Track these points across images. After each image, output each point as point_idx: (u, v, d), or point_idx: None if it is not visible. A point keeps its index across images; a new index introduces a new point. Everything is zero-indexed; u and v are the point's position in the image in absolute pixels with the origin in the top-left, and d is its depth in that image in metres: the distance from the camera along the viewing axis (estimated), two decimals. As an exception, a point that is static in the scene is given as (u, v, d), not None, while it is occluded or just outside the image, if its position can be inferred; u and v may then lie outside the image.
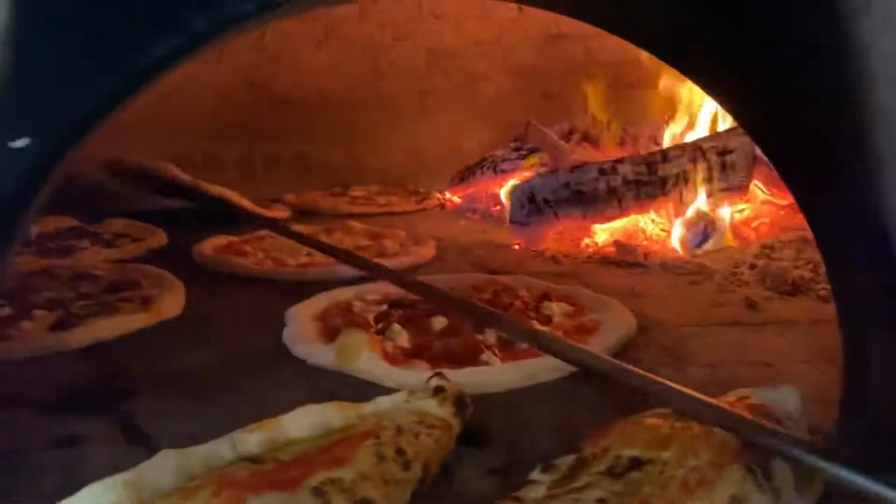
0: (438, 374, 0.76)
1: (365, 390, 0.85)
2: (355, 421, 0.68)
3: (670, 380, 0.71)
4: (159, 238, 1.63)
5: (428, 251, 1.54)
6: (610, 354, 0.96)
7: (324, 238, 1.66)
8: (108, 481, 0.54)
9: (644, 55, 0.71)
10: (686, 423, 0.57)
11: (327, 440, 0.64)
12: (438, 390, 0.72)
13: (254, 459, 0.61)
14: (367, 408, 0.70)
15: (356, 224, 1.77)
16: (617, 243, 1.58)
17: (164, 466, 0.57)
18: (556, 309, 1.11)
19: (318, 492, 0.54)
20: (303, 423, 0.67)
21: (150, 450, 0.64)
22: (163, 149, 2.33)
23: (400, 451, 0.61)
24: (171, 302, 1.14)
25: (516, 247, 1.66)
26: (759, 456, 0.53)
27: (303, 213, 2.10)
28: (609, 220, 1.65)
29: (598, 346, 0.98)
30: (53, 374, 0.90)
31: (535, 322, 1.05)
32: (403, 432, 0.64)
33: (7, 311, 1.06)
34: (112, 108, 0.53)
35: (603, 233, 1.69)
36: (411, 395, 0.73)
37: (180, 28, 0.51)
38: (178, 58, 0.53)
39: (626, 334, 1.02)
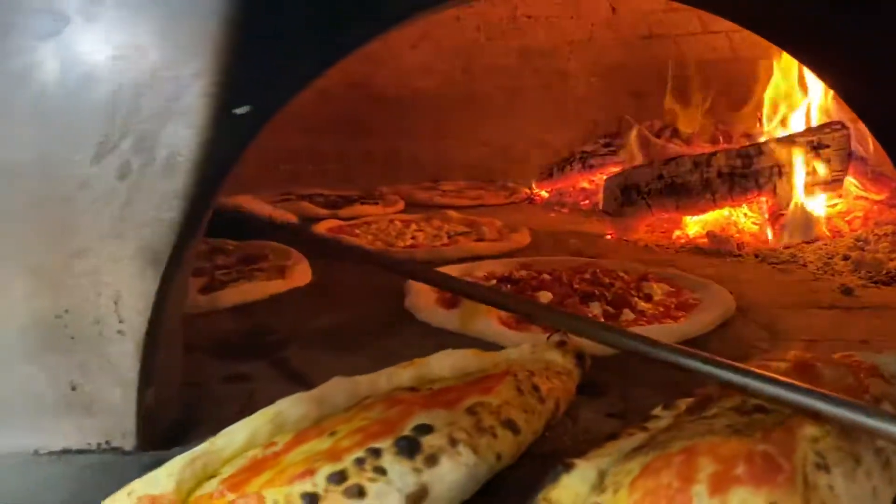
0: (560, 332, 0.84)
1: (487, 349, 0.94)
2: (489, 366, 0.77)
3: (767, 356, 0.77)
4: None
5: (524, 238, 1.62)
6: (711, 330, 1.04)
7: (423, 224, 1.77)
8: (295, 397, 0.65)
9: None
10: (826, 363, 0.64)
11: (468, 378, 0.74)
12: (561, 343, 0.81)
13: (414, 389, 0.71)
14: (499, 356, 0.79)
15: (454, 213, 1.87)
16: (710, 234, 1.63)
17: (338, 389, 0.68)
18: (656, 288, 1.18)
19: (471, 411, 0.63)
20: (445, 363, 0.76)
21: (310, 386, 0.75)
22: (268, 140, 2.49)
23: (535, 388, 0.70)
24: (302, 271, 1.26)
25: (608, 237, 1.73)
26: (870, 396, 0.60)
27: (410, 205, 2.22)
28: (702, 212, 1.70)
29: (699, 322, 1.05)
30: (213, 329, 1.03)
31: (637, 300, 1.12)
32: (535, 374, 0.73)
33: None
34: (313, 78, 0.64)
35: (694, 225, 1.74)
36: (535, 348, 0.81)
37: (378, 12, 0.61)
38: (371, 37, 0.64)
39: (726, 311, 1.08)
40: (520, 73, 2.64)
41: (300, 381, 0.85)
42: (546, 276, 1.23)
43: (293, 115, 2.20)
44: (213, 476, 0.54)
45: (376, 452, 0.55)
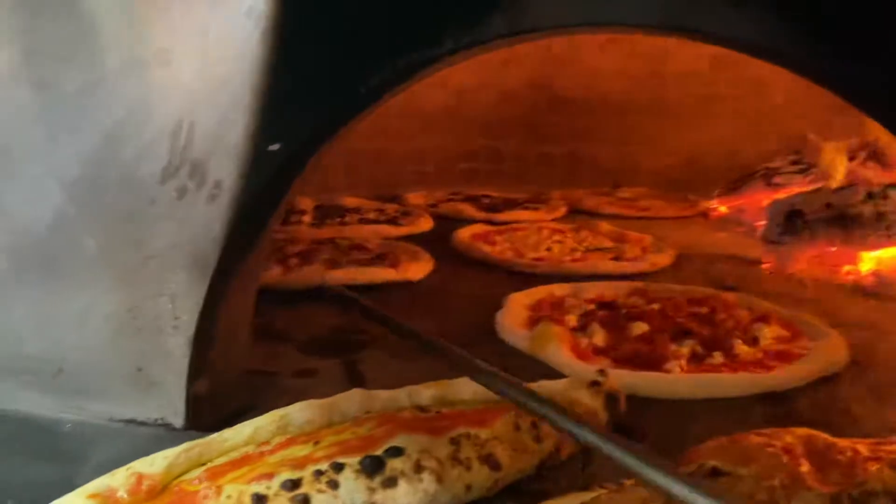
0: (601, 371, 0.84)
1: (548, 375, 0.95)
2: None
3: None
4: (426, 222, 1.88)
5: (664, 259, 1.57)
6: (802, 383, 0.96)
7: (568, 235, 1.77)
8: (306, 403, 0.72)
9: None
10: (782, 441, 0.59)
11: (486, 405, 0.77)
12: (594, 384, 0.81)
13: (421, 408, 0.76)
14: (532, 388, 0.81)
15: (605, 225, 1.85)
16: (876, 273, 1.46)
17: (352, 399, 0.74)
18: (766, 332, 1.10)
19: (454, 441, 0.66)
20: (468, 388, 0.80)
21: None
22: (450, 140, 2.61)
23: (534, 426, 0.71)
24: (417, 268, 1.35)
25: (766, 266, 1.61)
26: (852, 487, 0.54)
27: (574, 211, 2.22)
28: (873, 247, 1.53)
29: (788, 375, 0.97)
30: (312, 321, 1.14)
31: (738, 343, 1.06)
32: (547, 412, 0.74)
33: (295, 261, 1.36)
34: (344, 124, 0.71)
35: (870, 261, 1.57)
36: (572, 384, 0.82)
37: (399, 58, 0.66)
38: (398, 84, 0.68)
39: (827, 367, 0.98)
40: (713, 79, 2.50)
41: (357, 383, 0.93)
42: (653, 306, 1.20)
43: (474, 115, 2.30)
44: (204, 464, 0.63)
45: (339, 467, 0.61)
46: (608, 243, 1.71)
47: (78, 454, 0.73)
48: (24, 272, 0.78)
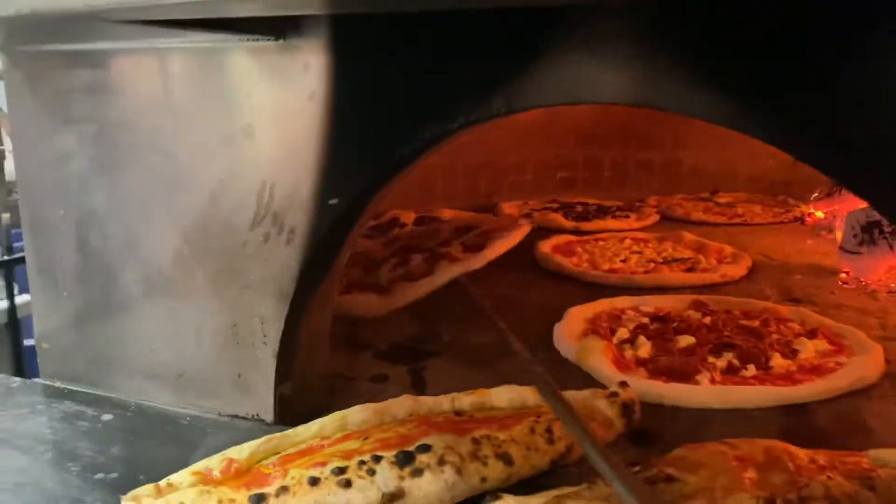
0: (622, 383, 0.96)
1: (589, 384, 1.08)
2: (542, 403, 0.93)
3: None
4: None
5: (738, 271, 1.62)
6: (823, 397, 1.03)
7: (650, 245, 1.85)
8: (363, 406, 0.89)
9: None
10: (737, 450, 0.70)
11: (513, 413, 0.91)
12: (611, 395, 0.93)
13: (459, 413, 0.91)
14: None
15: (688, 234, 1.91)
16: (952, 286, 1.46)
17: (402, 404, 0.90)
18: (809, 346, 1.16)
19: (475, 440, 0.81)
20: (504, 396, 0.94)
21: (423, 394, 0.99)
22: (548, 150, 2.73)
23: (549, 430, 0.85)
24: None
25: (843, 276, 1.63)
26: (790, 492, 0.64)
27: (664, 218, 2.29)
28: (953, 259, 1.52)
29: (822, 384, 1.04)
30: (391, 331, 1.31)
31: (776, 356, 1.13)
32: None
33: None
34: (386, 183, 0.87)
35: (950, 272, 1.56)
36: (595, 394, 0.94)
37: (424, 132, 0.82)
38: (424, 151, 0.84)
39: (854, 383, 1.05)
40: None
41: (420, 389, 1.09)
42: (705, 320, 1.28)
43: (572, 125, 2.41)
44: (278, 453, 0.82)
45: (377, 458, 0.77)
46: (687, 253, 1.78)
47: (193, 441, 0.94)
48: (154, 297, 1.00)
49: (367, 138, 0.83)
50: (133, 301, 1.01)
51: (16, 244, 3.47)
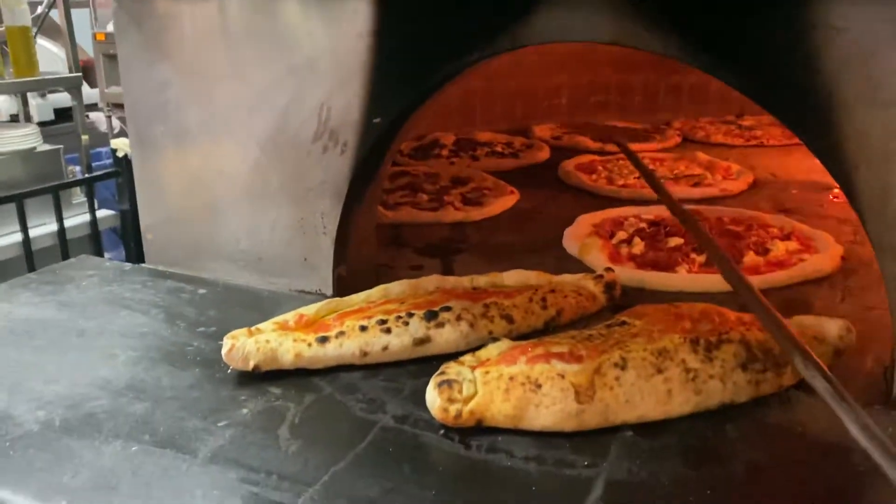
0: (607, 269, 1.19)
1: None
2: (544, 282, 1.17)
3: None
4: (542, 155, 2.22)
5: (738, 186, 1.82)
6: (778, 285, 1.25)
7: (667, 164, 2.05)
8: (401, 281, 1.14)
9: None
10: (679, 309, 0.93)
11: (520, 287, 1.15)
12: (598, 277, 1.16)
13: (476, 289, 1.16)
14: (553, 278, 1.18)
15: (702, 154, 2.09)
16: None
17: (430, 280, 1.15)
18: (780, 246, 1.37)
19: (486, 305, 1.06)
20: (514, 278, 1.18)
21: None
22: (584, 75, 2.88)
23: (543, 299, 1.09)
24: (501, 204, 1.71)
25: (836, 191, 1.81)
26: (712, 336, 0.88)
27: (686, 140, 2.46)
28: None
29: (779, 275, 1.26)
30: (427, 233, 1.56)
31: (750, 253, 1.34)
32: (555, 291, 1.11)
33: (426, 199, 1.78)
34: (420, 106, 1.10)
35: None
36: (584, 276, 1.18)
37: (447, 64, 1.04)
38: (447, 81, 1.06)
39: (804, 275, 1.26)
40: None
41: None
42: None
43: (606, 51, 2.57)
44: (336, 311, 1.08)
45: (410, 315, 1.03)
46: (698, 171, 1.97)
47: (271, 309, 1.19)
48: (237, 197, 1.26)
49: (402, 70, 1.05)
50: (220, 201, 1.27)
51: (94, 163, 3.80)
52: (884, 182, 0.82)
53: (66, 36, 3.47)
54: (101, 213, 3.46)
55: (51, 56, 4.51)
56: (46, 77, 3.37)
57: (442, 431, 0.85)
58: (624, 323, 0.92)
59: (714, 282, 1.24)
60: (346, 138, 1.13)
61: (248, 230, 1.27)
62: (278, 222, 1.23)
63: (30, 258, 2.99)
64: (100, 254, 3.40)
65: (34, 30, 3.48)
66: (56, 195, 3.14)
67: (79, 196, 3.43)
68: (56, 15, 3.55)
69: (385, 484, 0.77)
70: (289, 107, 1.16)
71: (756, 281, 1.24)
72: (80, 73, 3.48)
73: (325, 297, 1.23)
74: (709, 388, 0.86)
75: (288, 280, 1.25)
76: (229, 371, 0.99)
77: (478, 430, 0.85)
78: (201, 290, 1.27)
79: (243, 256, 1.28)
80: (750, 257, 1.33)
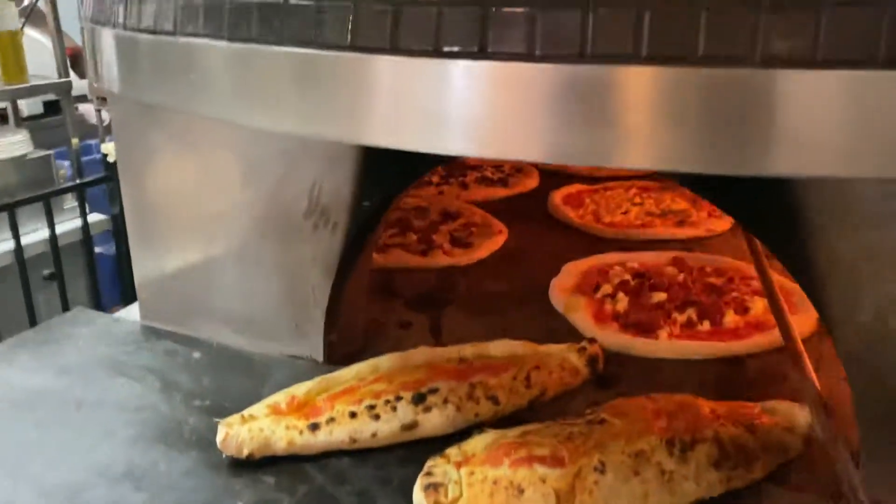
0: (590, 340, 1.22)
1: (573, 334, 1.35)
2: (529, 353, 1.20)
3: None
4: (531, 182, 2.23)
5: (721, 225, 1.84)
6: (758, 350, 1.29)
7: (653, 195, 2.07)
8: (391, 355, 1.17)
9: None
10: (656, 404, 0.97)
11: (506, 360, 1.19)
12: (582, 349, 1.20)
13: (463, 360, 1.19)
14: (538, 349, 1.22)
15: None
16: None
17: (419, 354, 1.18)
18: (759, 304, 1.40)
19: (472, 385, 1.09)
20: (500, 348, 1.21)
21: (440, 345, 1.27)
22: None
23: (527, 378, 1.13)
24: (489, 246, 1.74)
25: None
26: (687, 436, 0.92)
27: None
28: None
29: (757, 340, 1.30)
30: (415, 283, 1.59)
31: (730, 312, 1.38)
32: (540, 368, 1.15)
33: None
34: (403, 192, 1.13)
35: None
36: (570, 347, 1.22)
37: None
38: (439, 163, 1.09)
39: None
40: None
41: (436, 336, 1.38)
42: (679, 277, 1.52)
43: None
44: (328, 390, 1.11)
45: (398, 398, 1.06)
46: (683, 205, 1.99)
47: (263, 375, 1.23)
48: (230, 266, 1.29)
49: (395, 153, 1.08)
50: (213, 266, 1.30)
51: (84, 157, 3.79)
52: (850, 298, 0.86)
53: (53, 33, 3.44)
54: (93, 218, 3.48)
55: (39, 47, 4.46)
56: (36, 84, 3.35)
57: (428, 532, 0.89)
58: (604, 421, 0.96)
59: (694, 348, 1.29)
60: (338, 219, 1.16)
61: (241, 295, 1.30)
62: (270, 290, 1.26)
63: (23, 269, 3.01)
64: (91, 261, 3.43)
65: (22, 21, 3.45)
66: (48, 202, 3.14)
67: (70, 201, 3.44)
68: (42, 5, 3.50)
69: (375, 593, 0.81)
70: (283, 180, 1.18)
71: (737, 347, 1.29)
72: (69, 79, 3.46)
73: (316, 362, 1.27)
74: (683, 489, 0.90)
75: (279, 345, 1.29)
76: (224, 456, 1.03)
77: (462, 531, 0.89)
78: (195, 354, 1.31)
79: (236, 319, 1.32)
80: (730, 316, 1.37)
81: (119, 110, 1.30)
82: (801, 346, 1.20)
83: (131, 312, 1.52)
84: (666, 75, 0.57)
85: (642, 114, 0.63)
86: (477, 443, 0.98)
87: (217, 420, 1.07)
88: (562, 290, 1.50)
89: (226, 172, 1.24)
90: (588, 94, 0.63)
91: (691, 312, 1.38)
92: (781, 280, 1.50)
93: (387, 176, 1.11)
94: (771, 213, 0.88)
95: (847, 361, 0.89)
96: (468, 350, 1.21)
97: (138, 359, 1.29)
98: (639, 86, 0.60)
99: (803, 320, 1.35)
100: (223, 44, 0.77)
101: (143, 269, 1.39)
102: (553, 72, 0.64)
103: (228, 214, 1.26)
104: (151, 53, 0.88)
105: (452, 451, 0.96)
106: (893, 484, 0.89)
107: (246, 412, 1.06)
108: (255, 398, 1.12)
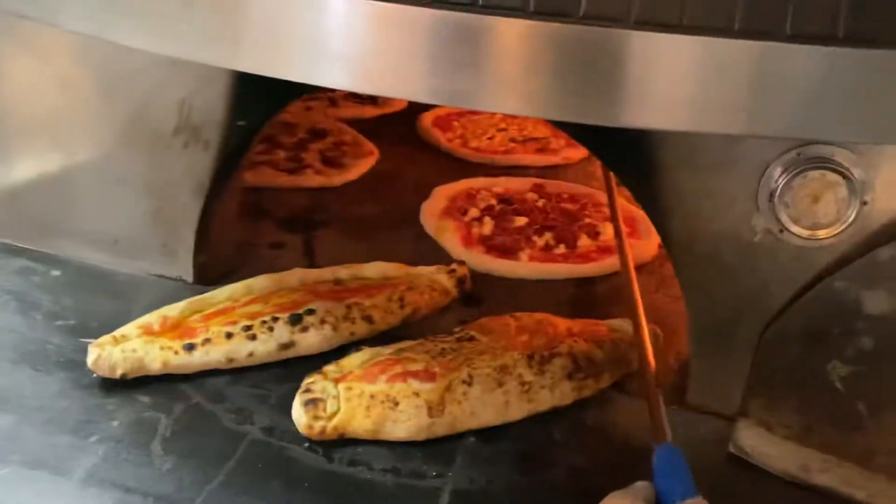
0: (459, 262, 1.29)
1: (443, 255, 1.41)
2: (402, 275, 1.26)
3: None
4: (401, 102, 2.23)
5: (578, 154, 1.95)
6: (608, 272, 1.41)
7: (517, 122, 2.15)
8: (265, 276, 1.19)
9: None
10: (519, 322, 1.06)
11: (379, 283, 1.23)
12: (451, 271, 1.27)
13: (339, 282, 1.22)
14: (410, 271, 1.27)
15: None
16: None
17: (294, 275, 1.20)
18: (608, 230, 1.53)
19: (348, 306, 1.13)
20: (374, 270, 1.26)
21: (313, 266, 1.29)
22: None
23: (401, 299, 1.18)
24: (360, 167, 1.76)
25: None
26: (545, 351, 1.02)
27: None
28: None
29: (606, 263, 1.42)
30: (285, 203, 1.58)
31: (584, 236, 1.50)
32: (412, 289, 1.20)
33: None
34: (275, 114, 1.12)
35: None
36: (439, 269, 1.28)
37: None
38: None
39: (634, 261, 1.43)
40: None
41: (310, 257, 1.40)
42: (539, 202, 1.62)
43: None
44: (201, 311, 1.12)
45: (275, 319, 1.09)
46: (544, 132, 2.08)
47: (132, 296, 1.21)
48: (93, 184, 1.23)
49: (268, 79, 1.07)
50: (73, 183, 1.24)
51: None
52: (690, 230, 0.96)
53: None
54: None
55: None
56: None
57: (307, 444, 0.94)
58: (472, 338, 1.04)
59: (551, 270, 1.39)
60: (209, 137, 1.13)
61: (104, 213, 1.25)
62: (136, 209, 1.23)
63: None
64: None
65: None
66: None
67: None
68: None
69: (256, 503, 0.85)
70: (150, 96, 1.14)
71: (589, 269, 1.41)
72: None
73: (185, 283, 1.26)
74: (540, 397, 1.00)
75: (146, 264, 1.26)
76: (94, 376, 1.02)
77: (339, 442, 0.94)
78: (54, 272, 1.26)
79: (98, 238, 1.27)
80: (583, 241, 1.48)
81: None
82: (633, 274, 1.29)
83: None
84: (548, 30, 0.61)
85: (522, 63, 0.67)
86: (353, 360, 1.03)
87: (84, 340, 1.05)
88: (431, 213, 1.55)
89: (84, 87, 1.17)
90: (473, 41, 0.67)
91: (549, 237, 1.48)
92: (629, 207, 1.63)
93: (263, 96, 1.10)
94: (627, 152, 0.96)
95: (685, 286, 1.00)
96: (343, 272, 1.25)
97: (-11, 278, 1.23)
98: (522, 37, 0.64)
99: (646, 245, 1.49)
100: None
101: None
102: (441, 17, 0.67)
103: (89, 128, 1.20)
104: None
105: (330, 368, 1.01)
106: (713, 389, 1.04)
107: (117, 333, 1.05)
108: (123, 318, 1.10)
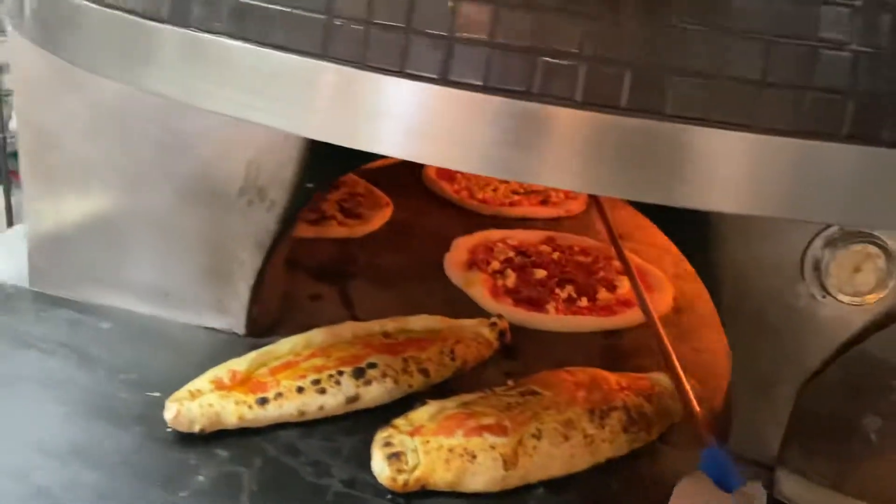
0: (499, 316, 1.36)
1: (471, 306, 1.48)
2: (445, 328, 1.31)
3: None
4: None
5: (578, 206, 2.06)
6: (633, 324, 1.50)
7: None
8: (321, 329, 1.23)
9: None
10: (574, 377, 1.14)
11: (426, 335, 1.29)
12: (493, 324, 1.33)
13: (387, 335, 1.28)
14: (454, 323, 1.33)
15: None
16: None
17: (347, 328, 1.25)
18: (625, 283, 1.62)
19: (405, 359, 1.19)
20: (419, 323, 1.31)
21: (354, 316, 1.34)
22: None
23: (452, 351, 1.24)
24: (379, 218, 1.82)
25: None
26: (603, 405, 1.09)
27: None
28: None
29: (629, 316, 1.51)
30: (315, 253, 1.63)
31: (603, 290, 1.58)
32: (460, 342, 1.27)
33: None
34: (341, 176, 1.18)
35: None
36: (481, 322, 1.34)
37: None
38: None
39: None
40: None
41: (348, 307, 1.45)
42: (554, 255, 1.70)
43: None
44: (265, 365, 1.15)
45: (341, 373, 1.13)
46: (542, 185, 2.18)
47: (187, 349, 1.23)
48: (148, 237, 1.26)
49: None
50: (126, 233, 1.26)
51: None
52: (740, 293, 1.06)
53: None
54: None
55: None
56: None
57: (389, 496, 0.99)
58: (535, 393, 1.10)
59: (579, 323, 1.47)
60: (275, 198, 1.18)
61: (157, 266, 1.28)
62: (191, 264, 1.26)
63: None
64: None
65: None
66: None
67: None
68: None
69: (353, 556, 0.90)
70: (216, 157, 1.18)
71: (609, 322, 1.50)
72: None
73: (236, 336, 1.29)
74: (600, 450, 1.07)
75: (196, 317, 1.29)
76: (169, 430, 1.04)
77: (419, 493, 0.99)
78: (104, 325, 1.27)
79: (148, 290, 1.30)
80: (602, 294, 1.57)
81: (25, 60, 1.21)
82: (661, 329, 1.40)
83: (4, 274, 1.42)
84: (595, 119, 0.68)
85: (572, 147, 0.74)
86: (422, 413, 1.08)
87: (150, 394, 1.08)
88: (456, 265, 1.62)
89: (146, 139, 1.21)
90: (530, 125, 0.73)
91: (570, 290, 1.56)
92: (637, 261, 1.73)
93: (333, 159, 1.16)
94: (686, 224, 1.05)
95: (732, 344, 1.09)
96: (389, 325, 1.30)
97: (44, 330, 1.24)
98: (571, 124, 0.71)
99: (662, 298, 1.59)
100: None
101: (39, 228, 1.31)
102: (501, 104, 0.73)
103: (148, 180, 1.23)
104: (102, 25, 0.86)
105: (401, 422, 1.06)
106: (753, 438, 1.12)
107: (192, 387, 1.08)
108: (181, 371, 1.13)
